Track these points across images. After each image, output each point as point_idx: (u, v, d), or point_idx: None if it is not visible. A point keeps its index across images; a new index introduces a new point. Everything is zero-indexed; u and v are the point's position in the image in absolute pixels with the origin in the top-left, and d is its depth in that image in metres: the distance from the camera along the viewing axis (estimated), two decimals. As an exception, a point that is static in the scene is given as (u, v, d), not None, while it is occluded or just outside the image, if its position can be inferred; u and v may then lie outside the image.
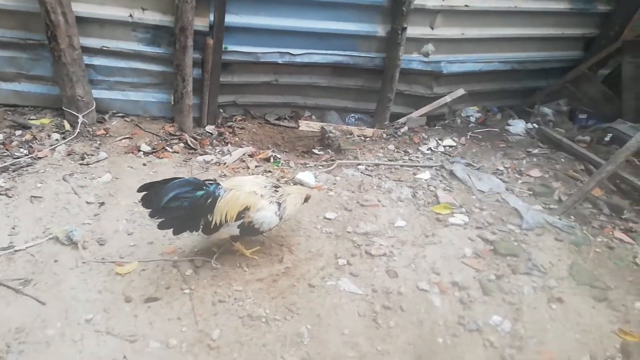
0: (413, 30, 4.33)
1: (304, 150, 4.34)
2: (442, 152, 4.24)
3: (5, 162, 3.43)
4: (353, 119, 5.00)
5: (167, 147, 3.91)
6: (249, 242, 2.87)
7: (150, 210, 2.42)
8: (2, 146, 3.61)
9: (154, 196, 2.37)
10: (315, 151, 4.29)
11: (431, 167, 3.97)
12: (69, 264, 2.67)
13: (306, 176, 3.60)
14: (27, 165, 3.42)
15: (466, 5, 4.31)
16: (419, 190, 3.63)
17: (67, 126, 3.93)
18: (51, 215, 2.99)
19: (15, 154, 3.55)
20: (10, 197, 3.11)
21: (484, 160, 4.12)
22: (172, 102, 4.13)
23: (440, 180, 3.78)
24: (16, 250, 2.70)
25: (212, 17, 3.84)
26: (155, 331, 2.33)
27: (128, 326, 2.34)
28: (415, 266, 2.86)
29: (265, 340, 2.33)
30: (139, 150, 3.79)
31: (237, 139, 4.36)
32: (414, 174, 3.87)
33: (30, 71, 3.90)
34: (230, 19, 3.90)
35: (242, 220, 2.56)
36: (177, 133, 4.16)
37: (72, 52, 3.64)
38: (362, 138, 4.49)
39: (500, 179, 3.83)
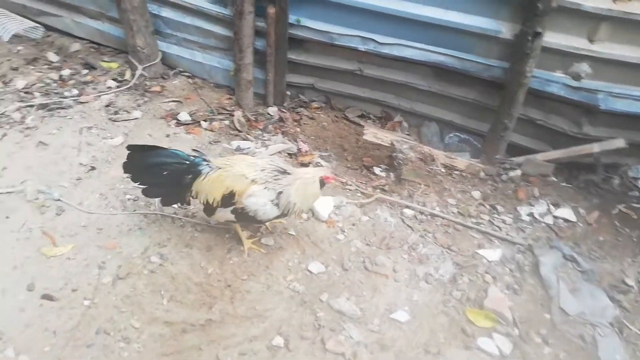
0: (558, 39, 3.05)
1: (366, 165, 3.55)
2: (545, 226, 2.99)
3: (51, 98, 3.53)
4: (456, 140, 3.93)
5: (206, 121, 3.57)
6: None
7: (129, 174, 2.43)
8: (60, 82, 3.73)
9: (135, 161, 2.38)
10: (377, 170, 3.46)
11: (512, 244, 2.82)
12: (14, 225, 2.58)
13: (323, 201, 2.88)
14: (64, 107, 3.46)
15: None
16: (468, 273, 2.59)
17: (128, 75, 3.89)
18: (41, 167, 2.96)
19: (65, 93, 3.63)
20: (26, 136, 3.18)
21: (606, 261, 2.77)
22: (232, 73, 3.74)
23: (509, 270, 2.65)
24: (-18, 195, 2.71)
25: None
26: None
27: (11, 315, 2.14)
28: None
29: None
30: (175, 119, 3.54)
31: (297, 130, 3.79)
32: (479, 245, 2.80)
33: (109, 12, 3.93)
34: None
35: (234, 206, 2.34)
36: (231, 108, 3.79)
37: (133, -1, 3.48)
38: (447, 170, 3.46)
39: (616, 303, 2.50)
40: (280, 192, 2.32)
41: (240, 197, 2.30)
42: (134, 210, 2.71)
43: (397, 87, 3.82)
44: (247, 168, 2.34)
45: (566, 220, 3.04)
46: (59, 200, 2.72)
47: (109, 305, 2.23)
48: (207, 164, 2.38)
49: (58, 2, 4.10)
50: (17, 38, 4.21)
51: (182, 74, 4.05)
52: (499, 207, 3.11)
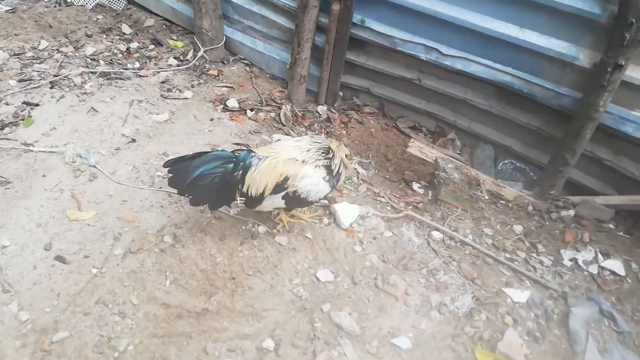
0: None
1: (406, 179, 3.39)
2: (588, 275, 2.70)
3: (113, 68, 3.70)
4: (510, 167, 3.65)
5: (252, 110, 3.58)
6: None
7: (176, 190, 2.34)
8: (126, 53, 3.89)
9: (179, 174, 2.26)
10: (415, 186, 3.30)
11: (545, 288, 2.57)
12: (48, 184, 2.71)
13: (347, 209, 2.78)
14: (123, 79, 3.61)
15: None
16: (487, 311, 2.39)
17: (190, 55, 3.99)
18: (86, 133, 3.09)
19: (128, 64, 3.79)
20: (81, 101, 3.35)
21: (653, 325, 2.44)
22: (288, 66, 3.72)
23: (535, 315, 2.41)
24: (29, 150, 2.87)
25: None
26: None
27: (24, 271, 2.24)
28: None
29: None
30: (223, 104, 3.57)
31: (343, 132, 3.70)
32: (506, 283, 2.57)
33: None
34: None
35: (285, 191, 2.33)
36: (281, 101, 3.78)
37: (205, -20, 3.55)
38: (492, 198, 3.22)
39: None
40: (329, 168, 2.35)
41: (293, 180, 2.30)
42: (160, 188, 2.75)
43: (455, 103, 3.61)
44: (294, 151, 2.35)
45: (613, 273, 2.72)
46: (94, 166, 2.83)
47: (115, 277, 2.28)
48: (254, 155, 2.34)
49: (139, -23, 4.29)
50: (100, 7, 4.47)
51: (242, 60, 4.10)
52: (539, 246, 2.84)
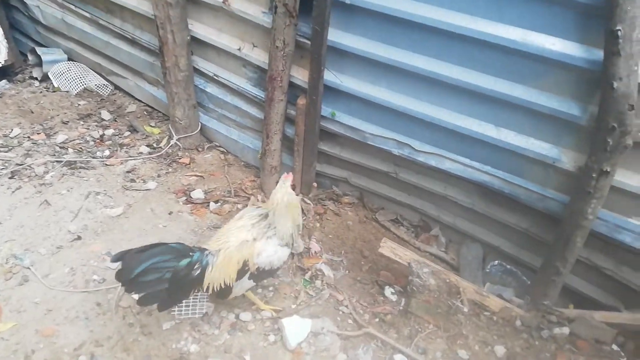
0: (635, 182, 2.44)
1: (379, 282, 3.08)
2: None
3: (81, 156, 3.63)
4: (500, 270, 3.30)
5: (217, 203, 3.40)
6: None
7: (122, 284, 2.10)
8: (98, 141, 3.85)
9: (126, 266, 2.06)
10: (388, 292, 2.98)
11: None
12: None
13: (297, 324, 2.47)
14: (87, 168, 3.52)
15: None
16: None
17: (164, 143, 3.91)
18: (31, 228, 2.95)
19: (97, 152, 3.72)
20: (37, 192, 3.24)
21: None
22: (259, 156, 3.58)
23: None
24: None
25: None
26: None
27: None
28: None
29: None
30: (187, 195, 3.41)
31: (317, 224, 3.47)
32: None
33: (163, 80, 4.03)
34: (337, 78, 3.03)
35: (249, 272, 2.36)
36: (252, 191, 3.60)
37: (178, 72, 3.53)
38: (474, 309, 2.85)
39: None
40: (276, 231, 2.38)
41: (252, 260, 2.33)
42: (94, 289, 2.53)
43: (436, 197, 3.36)
44: (240, 233, 2.37)
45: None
46: (28, 268, 2.64)
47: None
48: (208, 253, 2.29)
49: (125, 65, 4.34)
50: (87, 92, 4.52)
51: (217, 148, 3.99)
52: (526, 376, 2.43)
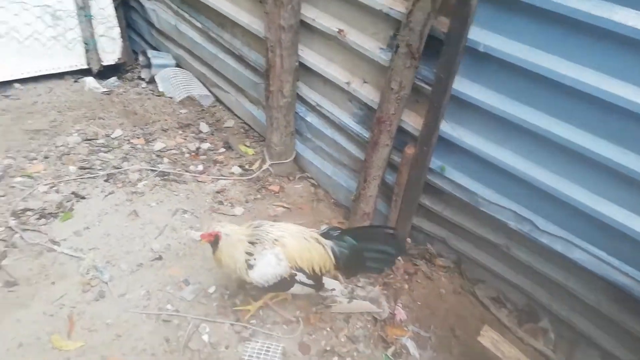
0: None
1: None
2: None
3: (175, 168, 3.59)
4: (617, 386, 2.77)
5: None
6: None
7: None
8: (193, 154, 3.80)
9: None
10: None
11: None
12: (52, 295, 2.52)
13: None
14: (179, 182, 3.46)
15: None
16: None
17: (256, 166, 3.79)
18: (116, 239, 2.89)
19: (191, 166, 3.66)
20: (127, 200, 3.21)
21: None
22: (352, 198, 3.33)
23: None
24: (52, 249, 2.72)
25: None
26: None
27: None
28: None
29: None
30: (272, 228, 3.23)
31: (405, 286, 3.15)
32: None
33: (264, 102, 3.93)
34: (454, 131, 2.72)
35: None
36: (339, 235, 3.34)
37: (281, 98, 3.39)
38: None
39: None
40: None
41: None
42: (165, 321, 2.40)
43: (551, 284, 2.90)
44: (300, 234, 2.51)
45: None
46: (105, 283, 2.56)
47: None
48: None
49: (229, 80, 4.31)
50: (189, 100, 4.54)
51: (309, 179, 3.80)
52: None
